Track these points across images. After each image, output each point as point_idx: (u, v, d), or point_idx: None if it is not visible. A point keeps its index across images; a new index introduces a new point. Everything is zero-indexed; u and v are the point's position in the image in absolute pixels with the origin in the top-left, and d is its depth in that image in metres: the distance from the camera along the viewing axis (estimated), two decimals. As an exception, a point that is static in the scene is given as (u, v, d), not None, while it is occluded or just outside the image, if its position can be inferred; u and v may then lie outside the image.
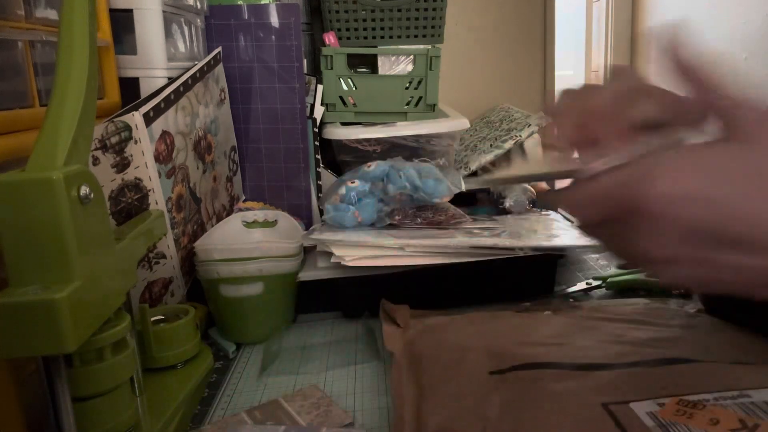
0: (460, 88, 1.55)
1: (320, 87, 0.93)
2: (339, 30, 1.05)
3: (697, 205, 0.28)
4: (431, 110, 1.03)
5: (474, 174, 1.16)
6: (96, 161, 0.55)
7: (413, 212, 0.71)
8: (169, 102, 0.63)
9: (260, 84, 0.84)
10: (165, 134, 0.61)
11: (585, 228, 0.34)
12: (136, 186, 0.57)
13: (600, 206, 0.31)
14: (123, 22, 0.66)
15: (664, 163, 0.29)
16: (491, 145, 1.17)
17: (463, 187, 0.77)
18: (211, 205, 0.74)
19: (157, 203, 0.58)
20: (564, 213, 0.96)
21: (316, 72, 1.02)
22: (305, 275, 0.62)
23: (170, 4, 0.70)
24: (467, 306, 0.63)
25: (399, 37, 1.06)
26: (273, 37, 0.82)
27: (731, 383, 0.38)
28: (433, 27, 1.06)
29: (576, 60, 2.71)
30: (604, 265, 0.75)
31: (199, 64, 0.73)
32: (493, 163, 1.22)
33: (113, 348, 0.39)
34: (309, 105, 0.89)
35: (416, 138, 0.94)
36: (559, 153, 0.35)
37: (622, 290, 0.67)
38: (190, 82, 0.69)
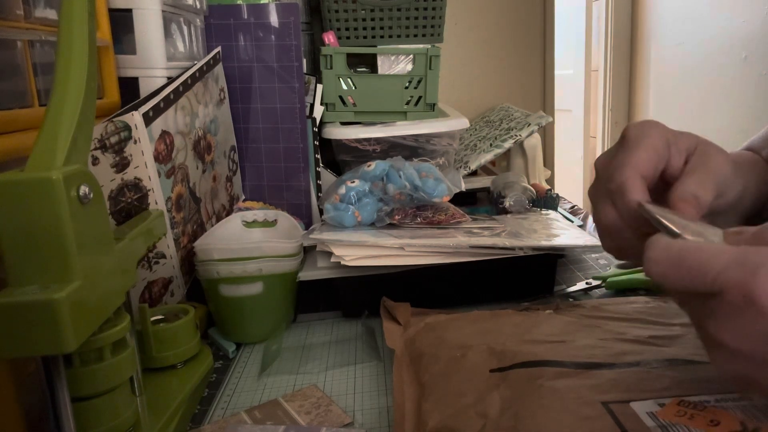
0: (460, 87, 1.55)
1: (320, 86, 0.93)
2: (338, 29, 1.05)
3: None
4: (431, 110, 1.03)
5: (474, 173, 1.17)
6: (95, 161, 0.55)
7: (413, 212, 0.70)
8: (168, 102, 0.63)
9: (260, 83, 0.84)
10: (164, 134, 0.61)
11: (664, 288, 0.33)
12: (136, 186, 0.57)
13: (695, 278, 0.29)
14: (122, 22, 0.66)
15: None
16: (491, 145, 1.17)
17: (463, 187, 0.77)
18: (210, 205, 0.74)
19: (156, 203, 0.58)
20: (565, 213, 0.96)
21: (315, 71, 1.02)
22: (305, 275, 0.62)
23: (169, 4, 0.70)
24: (467, 306, 0.63)
25: (399, 36, 1.06)
26: (272, 36, 0.82)
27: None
28: (432, 27, 1.06)
29: (576, 59, 2.71)
30: (604, 265, 0.75)
31: (199, 64, 0.73)
32: (493, 162, 1.22)
33: (113, 348, 0.39)
34: (308, 104, 0.89)
35: (416, 137, 0.94)
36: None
37: (622, 290, 0.67)
38: (189, 81, 0.69)
